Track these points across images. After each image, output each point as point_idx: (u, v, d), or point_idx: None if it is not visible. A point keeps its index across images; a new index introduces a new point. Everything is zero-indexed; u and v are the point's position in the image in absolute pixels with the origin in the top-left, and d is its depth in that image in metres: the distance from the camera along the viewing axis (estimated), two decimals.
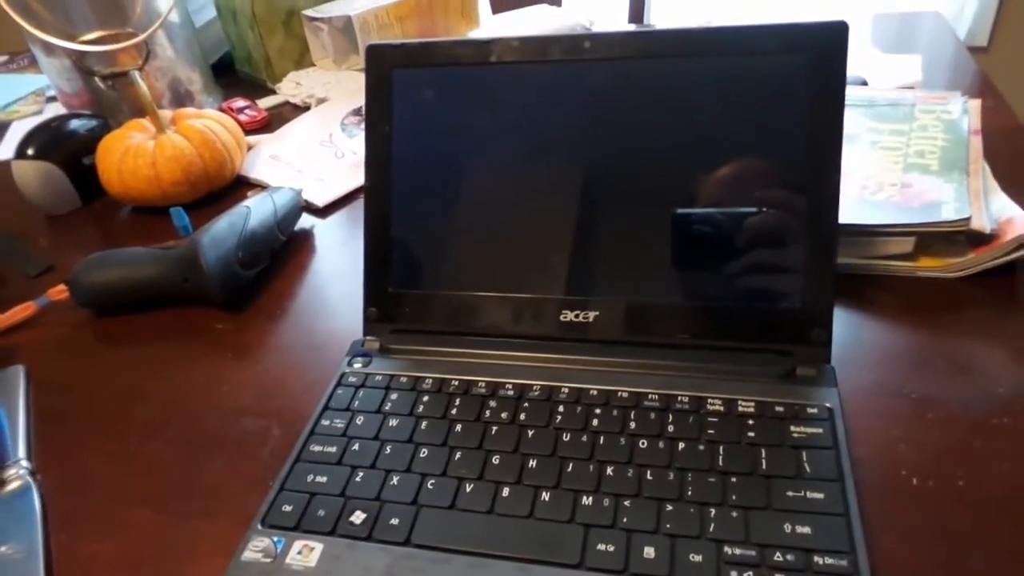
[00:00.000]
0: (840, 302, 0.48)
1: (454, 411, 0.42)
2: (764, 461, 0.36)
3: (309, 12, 0.91)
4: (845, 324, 0.47)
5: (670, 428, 0.38)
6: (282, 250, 0.62)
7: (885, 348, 0.45)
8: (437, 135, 0.47)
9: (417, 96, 0.47)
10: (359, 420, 0.42)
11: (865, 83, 0.71)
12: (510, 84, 0.45)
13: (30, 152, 0.71)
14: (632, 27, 1.04)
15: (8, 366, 0.53)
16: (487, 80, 0.46)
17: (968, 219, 0.47)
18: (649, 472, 0.36)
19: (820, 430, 0.37)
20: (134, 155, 0.68)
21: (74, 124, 0.76)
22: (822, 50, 0.40)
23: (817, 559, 0.32)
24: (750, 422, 0.38)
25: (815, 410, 0.38)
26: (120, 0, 0.79)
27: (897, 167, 0.55)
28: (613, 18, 1.09)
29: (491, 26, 0.99)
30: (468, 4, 0.95)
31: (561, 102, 0.44)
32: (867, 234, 0.50)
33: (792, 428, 0.37)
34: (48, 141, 0.73)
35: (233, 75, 1.03)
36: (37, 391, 0.52)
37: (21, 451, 0.45)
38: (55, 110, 0.94)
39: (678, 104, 0.43)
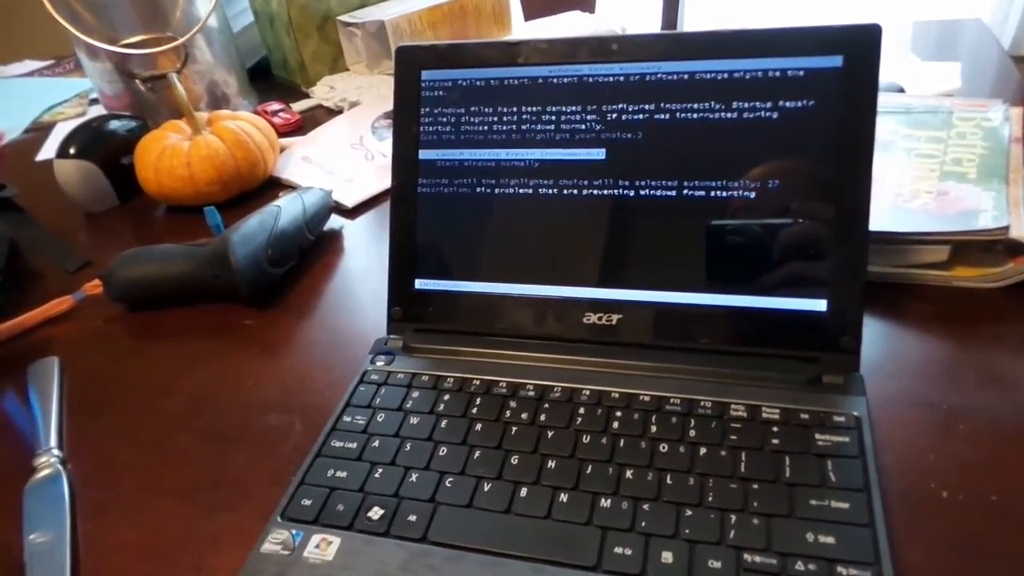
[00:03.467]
0: (872, 310, 0.47)
1: (474, 410, 0.42)
2: (788, 469, 0.35)
3: (343, 17, 0.93)
4: (876, 332, 0.46)
5: (692, 433, 0.38)
6: (311, 249, 0.63)
7: (916, 358, 0.44)
8: (464, 136, 0.47)
9: (445, 97, 0.47)
10: (380, 417, 0.42)
11: (902, 90, 0.70)
12: (538, 85, 0.45)
13: (72, 151, 0.73)
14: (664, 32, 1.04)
15: (44, 357, 0.55)
16: (515, 81, 0.46)
17: (1007, 228, 0.46)
18: (669, 476, 0.36)
19: (846, 439, 0.36)
20: (170, 155, 0.70)
21: (114, 125, 0.78)
22: (855, 53, 0.40)
23: (840, 569, 0.31)
24: (774, 429, 0.37)
25: (842, 418, 0.37)
26: (161, 5, 0.81)
27: (933, 175, 0.54)
28: (646, 25, 1.09)
29: (523, 32, 0.99)
30: (501, 10, 0.95)
31: (589, 102, 0.44)
32: (901, 242, 0.49)
33: (817, 436, 0.37)
34: (89, 141, 0.75)
35: (269, 79, 1.05)
36: (70, 382, 0.53)
37: (53, 440, 0.47)
38: (98, 112, 0.96)
39: (707, 106, 0.42)
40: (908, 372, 0.43)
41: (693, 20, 1.12)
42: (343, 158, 0.77)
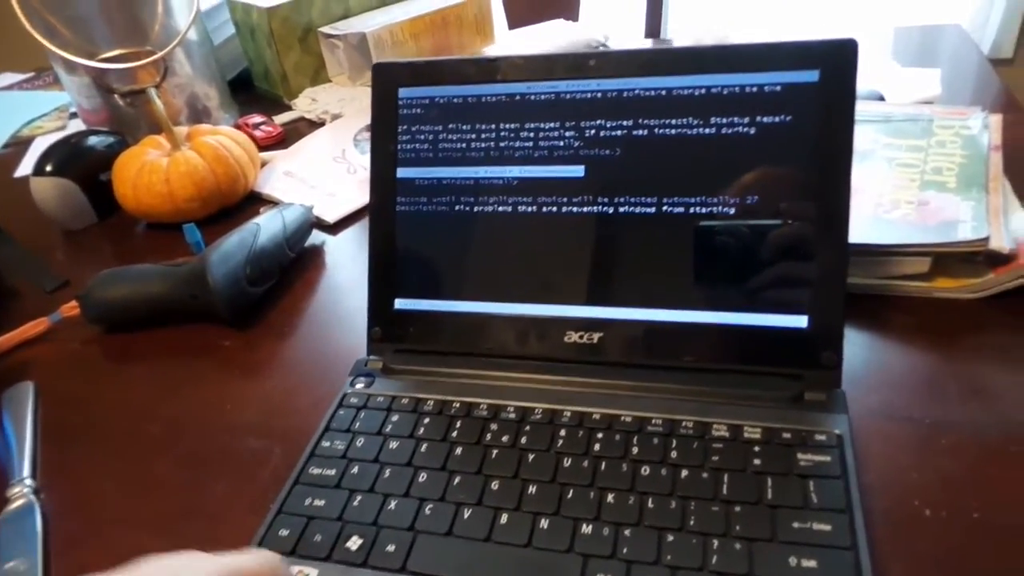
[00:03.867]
0: (852, 323, 0.47)
1: (454, 434, 0.41)
2: (770, 490, 0.35)
3: (325, 29, 0.92)
4: (857, 345, 0.46)
5: (673, 454, 0.38)
6: (292, 266, 0.63)
7: (898, 370, 0.44)
8: (443, 154, 0.46)
9: (423, 114, 0.47)
10: (359, 442, 0.42)
11: (882, 98, 0.70)
12: (516, 102, 0.45)
13: (48, 168, 0.72)
14: (640, 45, 1.04)
15: (19, 381, 0.54)
16: (493, 98, 0.45)
17: (986, 239, 0.46)
18: (651, 500, 0.36)
19: (828, 458, 0.36)
20: (148, 171, 0.69)
21: (92, 141, 0.77)
22: (831, 67, 0.40)
23: None
24: (756, 449, 0.37)
25: (823, 437, 0.37)
26: (140, 19, 0.80)
27: (914, 184, 0.54)
28: (629, 33, 1.09)
29: (507, 42, 0.99)
30: (483, 20, 0.95)
31: (567, 119, 0.44)
32: (881, 254, 0.48)
33: (800, 456, 0.36)
34: (66, 157, 0.74)
35: (251, 91, 1.04)
36: (46, 407, 0.52)
37: (26, 469, 0.46)
38: (78, 126, 0.95)
39: (685, 122, 0.42)
40: (890, 385, 0.43)
41: (676, 27, 1.12)
42: (325, 172, 0.76)
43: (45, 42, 0.75)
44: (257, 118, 0.91)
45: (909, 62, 0.81)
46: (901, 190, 0.53)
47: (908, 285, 0.49)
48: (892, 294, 0.49)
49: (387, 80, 0.47)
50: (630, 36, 1.06)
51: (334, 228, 0.69)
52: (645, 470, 0.37)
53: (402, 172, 0.47)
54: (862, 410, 0.41)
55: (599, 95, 0.43)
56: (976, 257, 0.47)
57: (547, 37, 0.99)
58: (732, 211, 0.41)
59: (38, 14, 0.76)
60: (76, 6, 0.77)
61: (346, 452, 0.41)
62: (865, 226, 0.49)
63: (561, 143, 0.44)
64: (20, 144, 1.01)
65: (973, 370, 0.43)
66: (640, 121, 0.43)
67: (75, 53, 0.77)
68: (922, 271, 0.48)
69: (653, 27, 1.09)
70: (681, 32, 1.01)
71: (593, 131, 0.44)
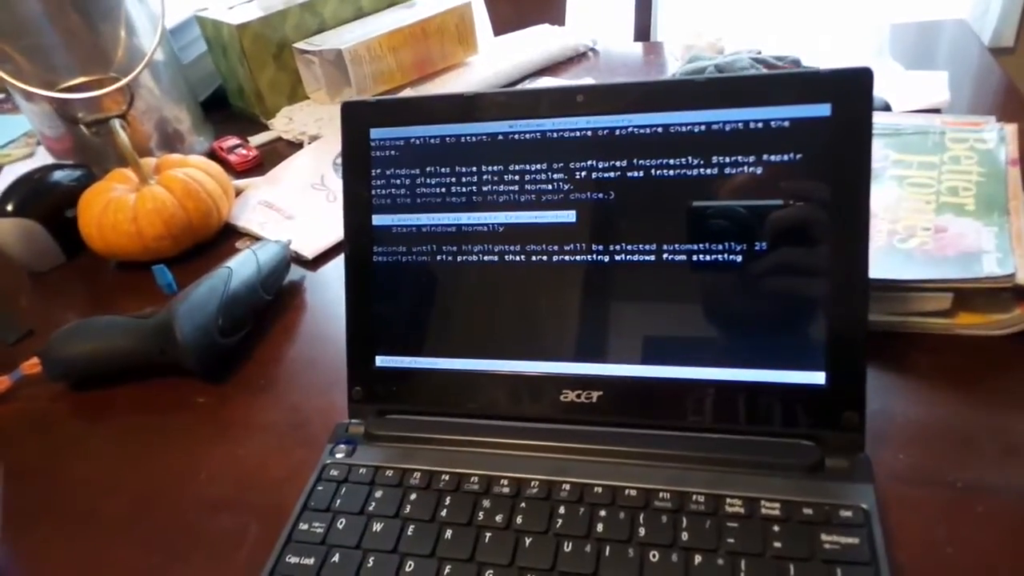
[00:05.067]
0: (870, 364, 0.43)
1: (444, 512, 0.37)
2: None
3: (300, 45, 0.88)
4: (875, 391, 0.42)
5: (684, 536, 0.34)
6: (268, 310, 0.59)
7: (922, 422, 0.40)
8: (421, 199, 0.43)
9: (397, 157, 0.43)
10: (340, 524, 0.38)
11: (888, 107, 0.66)
12: (498, 142, 0.41)
13: (9, 208, 0.68)
14: (631, 48, 1.00)
15: None
16: (473, 138, 0.42)
17: (1013, 275, 0.42)
18: None
19: (856, 540, 0.32)
20: (114, 209, 0.65)
21: (57, 176, 0.73)
22: (844, 100, 0.36)
23: None
24: (775, 528, 0.34)
25: (849, 513, 0.34)
26: (101, 45, 0.75)
27: (929, 207, 0.50)
28: (618, 36, 1.05)
29: (490, 50, 0.95)
30: (465, 29, 0.91)
31: (555, 160, 0.40)
32: (899, 290, 0.45)
33: (823, 537, 0.33)
34: (28, 196, 0.70)
35: (227, 109, 1.00)
36: (6, 478, 0.48)
37: None
38: (46, 153, 0.91)
39: (684, 161, 0.38)
40: (915, 441, 0.39)
41: (666, 30, 1.08)
42: (303, 201, 0.72)
43: (0, 72, 0.71)
44: (232, 141, 0.87)
45: (910, 62, 0.77)
46: (916, 214, 0.50)
47: (928, 322, 0.45)
48: (910, 331, 0.46)
49: (357, 121, 0.43)
50: (618, 40, 1.02)
51: (314, 263, 0.65)
52: (654, 555, 0.34)
53: (378, 220, 0.43)
54: (887, 473, 0.37)
55: (589, 133, 0.40)
56: (1002, 292, 0.44)
57: (533, 43, 0.95)
58: (739, 258, 0.38)
59: None
60: (35, 34, 0.73)
61: (325, 537, 0.37)
62: (880, 258, 0.46)
63: (549, 186, 0.40)
64: None
65: (1006, 420, 0.39)
66: (635, 162, 0.39)
67: (34, 83, 0.72)
68: (943, 308, 0.45)
69: (642, 28, 1.05)
70: (671, 36, 0.96)
71: (584, 173, 0.40)
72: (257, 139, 0.89)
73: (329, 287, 0.62)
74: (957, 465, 0.38)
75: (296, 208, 0.72)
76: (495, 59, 0.92)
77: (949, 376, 0.43)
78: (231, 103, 1.00)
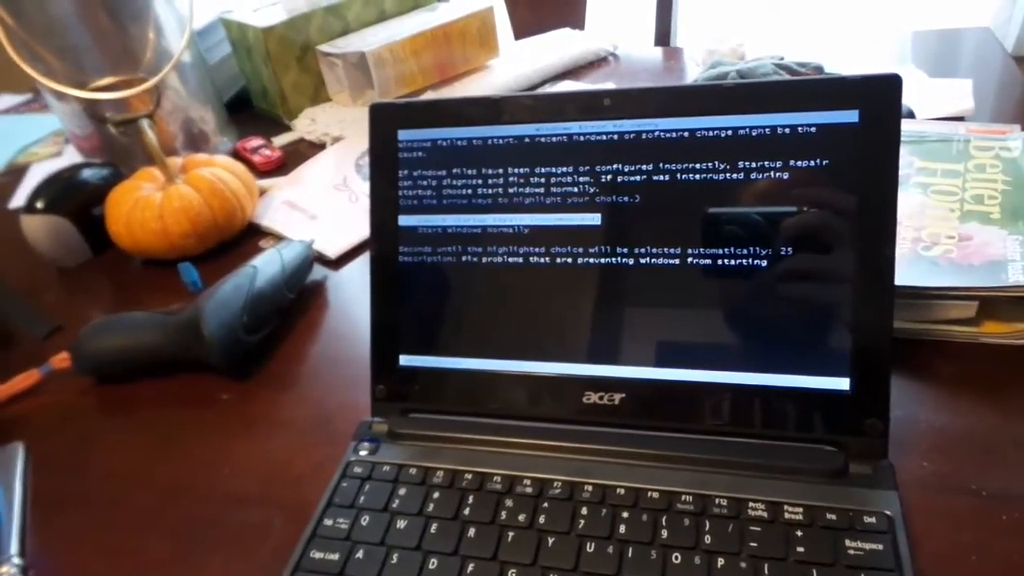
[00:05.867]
0: (893, 372, 0.43)
1: (467, 511, 0.38)
2: None
3: (323, 47, 0.89)
4: (899, 399, 0.42)
5: (707, 539, 0.34)
6: (292, 308, 0.60)
7: (946, 430, 0.40)
8: (447, 200, 0.43)
9: (425, 158, 0.43)
10: (364, 520, 0.38)
11: (912, 114, 0.66)
12: (525, 145, 0.42)
13: (39, 206, 0.69)
14: (650, 52, 1.00)
15: (9, 439, 0.51)
16: (500, 141, 0.42)
17: None
18: None
19: (880, 546, 0.32)
20: (142, 208, 0.66)
21: (86, 174, 0.74)
22: (872, 107, 0.36)
23: None
24: (798, 533, 0.34)
25: (872, 519, 0.34)
26: (130, 46, 0.77)
27: (953, 215, 0.50)
28: (638, 41, 1.05)
29: (511, 54, 0.96)
30: (486, 33, 0.91)
31: (581, 163, 0.41)
32: (923, 297, 0.45)
33: (847, 543, 0.33)
34: (58, 194, 0.71)
35: (251, 110, 1.01)
36: (36, 470, 0.49)
37: (14, 546, 0.43)
38: (73, 152, 0.92)
39: (710, 166, 0.38)
40: (940, 449, 0.39)
41: (687, 35, 1.08)
42: (326, 201, 0.73)
43: (33, 72, 0.72)
44: (256, 141, 0.88)
45: (932, 70, 0.77)
46: (940, 222, 0.50)
47: (952, 330, 0.45)
48: (934, 339, 0.46)
49: (385, 122, 0.44)
50: (638, 44, 1.02)
51: (337, 262, 0.66)
52: (676, 557, 0.34)
53: (404, 220, 0.44)
54: (911, 480, 0.37)
55: (615, 137, 0.40)
56: None
57: (554, 47, 0.95)
58: (764, 263, 0.38)
59: (26, 45, 0.73)
60: (66, 35, 0.74)
61: (350, 533, 0.38)
62: (905, 265, 0.46)
63: (575, 189, 0.41)
64: (16, 172, 0.98)
65: None
66: (660, 165, 0.39)
67: (63, 82, 0.74)
68: (968, 316, 0.45)
69: (662, 35, 1.05)
70: (691, 41, 0.97)
71: (609, 176, 0.40)
72: (280, 140, 0.90)
73: (351, 286, 0.63)
74: (982, 473, 0.37)
75: (319, 208, 0.72)
76: (516, 63, 0.93)
77: (974, 384, 0.43)
78: (254, 104, 1.01)
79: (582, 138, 0.41)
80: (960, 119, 0.67)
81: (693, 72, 0.86)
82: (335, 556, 0.37)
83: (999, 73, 0.77)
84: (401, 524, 0.38)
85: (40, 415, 0.54)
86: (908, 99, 0.68)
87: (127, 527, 0.44)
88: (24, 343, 0.63)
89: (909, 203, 0.52)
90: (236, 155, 0.87)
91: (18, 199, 0.90)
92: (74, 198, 0.72)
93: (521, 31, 1.21)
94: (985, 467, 0.38)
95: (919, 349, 0.45)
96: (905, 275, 0.45)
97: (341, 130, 0.86)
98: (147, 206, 0.66)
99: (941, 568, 0.33)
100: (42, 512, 0.46)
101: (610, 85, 0.87)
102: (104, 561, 0.42)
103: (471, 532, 0.37)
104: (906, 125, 0.62)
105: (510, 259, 0.42)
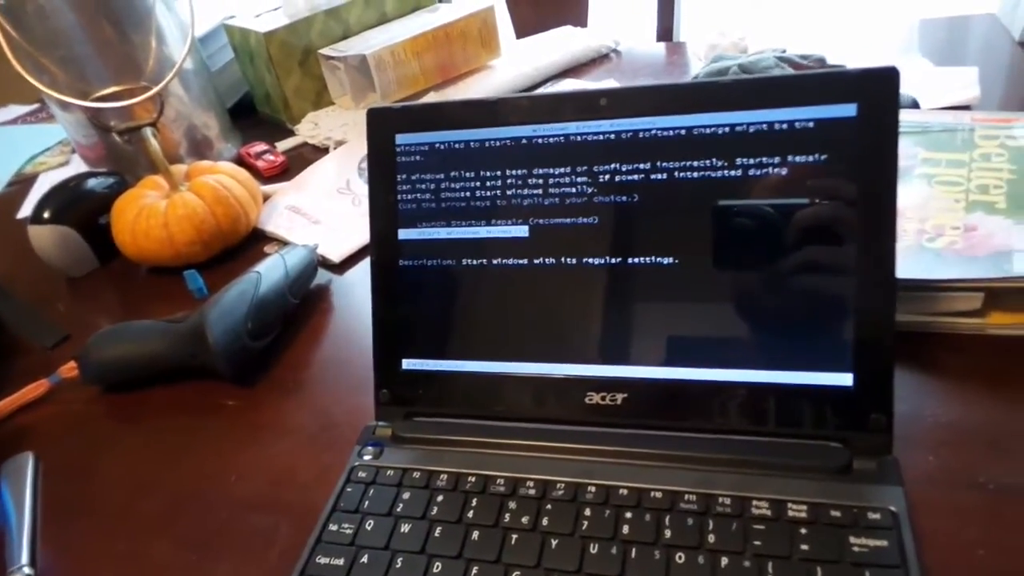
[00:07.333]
0: (898, 366, 0.43)
1: (470, 514, 0.38)
2: None
3: (325, 51, 0.89)
4: (904, 392, 0.41)
5: (711, 538, 0.34)
6: (296, 313, 0.60)
7: (952, 424, 0.40)
8: (446, 204, 0.43)
9: (423, 162, 0.43)
10: (369, 525, 0.39)
11: (916, 104, 0.65)
12: (522, 146, 0.42)
13: (46, 216, 0.70)
14: (652, 48, 1.00)
15: (19, 449, 0.52)
16: (497, 143, 0.42)
17: None
18: None
19: (885, 543, 0.32)
20: (147, 216, 0.66)
21: (91, 183, 0.74)
22: (870, 100, 0.36)
23: None
24: (802, 531, 0.34)
25: (877, 515, 0.33)
26: (133, 54, 0.77)
27: (959, 206, 0.49)
28: (640, 37, 1.05)
29: (513, 53, 0.96)
30: (488, 33, 0.91)
31: (578, 164, 0.41)
32: (928, 289, 0.44)
33: (852, 540, 0.33)
34: (64, 204, 0.72)
35: (254, 115, 1.01)
36: (46, 478, 0.50)
37: (24, 555, 0.43)
38: (80, 161, 0.93)
39: (708, 163, 0.38)
40: (945, 443, 0.39)
41: (689, 31, 1.07)
42: (329, 206, 0.73)
43: (37, 83, 0.72)
44: (260, 146, 0.88)
45: (939, 58, 0.76)
46: (945, 213, 0.49)
47: (958, 322, 0.45)
48: (940, 331, 0.45)
49: (382, 126, 0.44)
50: (641, 40, 1.02)
51: (340, 267, 0.66)
52: (680, 557, 0.34)
53: (404, 224, 0.44)
54: (917, 475, 0.37)
55: (612, 137, 0.40)
56: None
57: (555, 45, 0.95)
58: (763, 260, 0.38)
59: (30, 56, 0.74)
60: (69, 45, 0.75)
61: (354, 539, 0.38)
62: (909, 257, 0.45)
63: (573, 190, 0.41)
64: (24, 182, 0.99)
65: None
66: (658, 164, 0.39)
67: (66, 93, 0.74)
68: (974, 307, 0.44)
69: (665, 30, 1.05)
70: (694, 36, 0.96)
71: (607, 176, 0.40)
72: (284, 144, 0.90)
73: (355, 291, 0.63)
74: (988, 467, 0.37)
75: (322, 213, 0.73)
76: (518, 62, 0.92)
77: (980, 377, 0.42)
78: (257, 109, 1.02)
79: (579, 138, 0.40)
80: (966, 108, 0.66)
81: (696, 67, 0.86)
82: (340, 561, 0.37)
83: (1006, 60, 0.76)
84: (405, 528, 0.38)
85: (49, 424, 0.55)
86: (913, 89, 0.67)
87: (136, 534, 0.44)
88: (33, 352, 0.64)
89: (913, 194, 0.51)
90: (240, 161, 0.87)
91: (27, 209, 0.91)
92: (80, 208, 0.72)
93: (522, 30, 1.21)
94: (992, 460, 0.37)
95: (925, 342, 0.45)
96: (910, 267, 0.44)
97: (344, 134, 0.86)
98: (152, 214, 0.67)
99: (948, 563, 0.33)
100: (52, 520, 0.47)
101: (612, 82, 0.87)
102: (113, 568, 0.42)
103: (475, 535, 0.37)
104: (910, 116, 0.61)
105: (510, 261, 0.42)
